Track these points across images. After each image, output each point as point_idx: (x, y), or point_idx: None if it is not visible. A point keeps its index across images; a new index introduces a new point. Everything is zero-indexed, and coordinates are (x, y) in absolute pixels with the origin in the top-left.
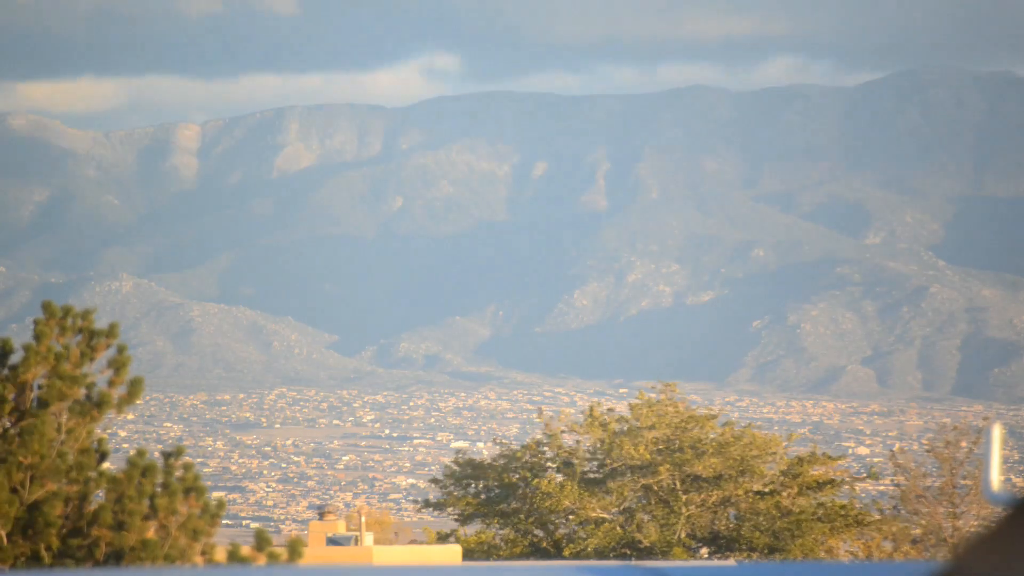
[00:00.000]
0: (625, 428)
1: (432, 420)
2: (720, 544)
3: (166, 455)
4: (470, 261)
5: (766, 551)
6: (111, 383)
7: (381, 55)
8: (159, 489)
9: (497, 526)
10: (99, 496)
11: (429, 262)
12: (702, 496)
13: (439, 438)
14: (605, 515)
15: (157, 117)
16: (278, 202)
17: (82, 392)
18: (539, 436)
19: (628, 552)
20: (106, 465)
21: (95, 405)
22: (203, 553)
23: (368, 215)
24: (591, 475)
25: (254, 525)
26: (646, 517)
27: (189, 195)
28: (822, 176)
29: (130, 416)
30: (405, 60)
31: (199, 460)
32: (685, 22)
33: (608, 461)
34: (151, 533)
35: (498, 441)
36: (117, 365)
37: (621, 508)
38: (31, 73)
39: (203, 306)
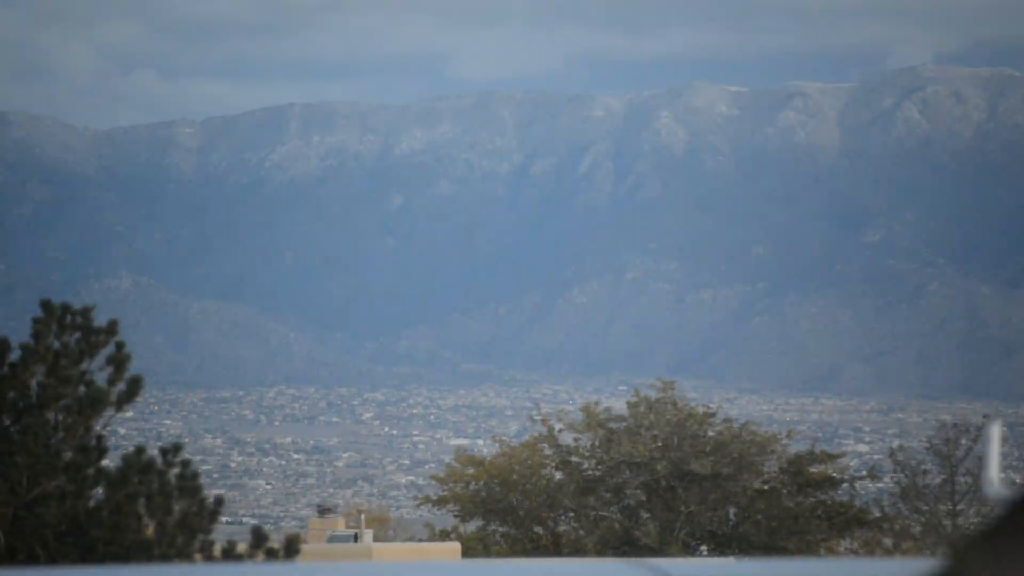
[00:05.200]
0: (623, 426)
1: (432, 418)
2: (719, 542)
3: (164, 452)
4: (470, 259)
5: (765, 549)
6: (111, 381)
7: (381, 53)
8: (157, 487)
9: (497, 523)
10: (97, 494)
11: (429, 260)
12: (701, 494)
13: (439, 435)
14: (604, 512)
15: (157, 115)
16: (278, 200)
17: (80, 390)
18: (538, 434)
19: (627, 549)
20: (104, 463)
21: (93, 403)
22: (201, 551)
23: (368, 213)
24: (590, 473)
25: (253, 523)
26: (645, 514)
27: (189, 193)
28: (822, 175)
29: (129, 414)
30: (405, 58)
31: (198, 458)
32: (685, 20)
33: (606, 459)
34: (149, 531)
35: (498, 439)
36: (117, 362)
37: (620, 506)
38: (31, 71)
39: (202, 303)
